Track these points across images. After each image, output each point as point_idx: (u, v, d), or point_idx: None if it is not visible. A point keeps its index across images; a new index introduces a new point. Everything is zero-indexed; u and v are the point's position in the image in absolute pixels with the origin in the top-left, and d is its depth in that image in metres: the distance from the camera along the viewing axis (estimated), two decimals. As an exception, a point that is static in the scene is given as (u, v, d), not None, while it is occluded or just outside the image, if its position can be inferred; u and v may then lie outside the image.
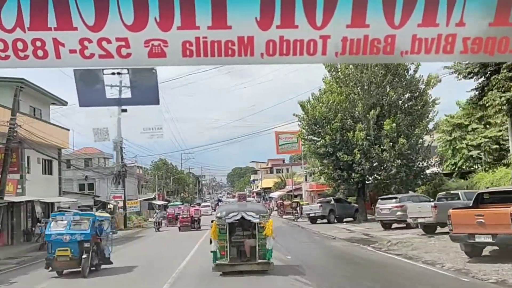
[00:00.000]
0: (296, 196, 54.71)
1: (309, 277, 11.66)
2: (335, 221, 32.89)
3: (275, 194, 64.78)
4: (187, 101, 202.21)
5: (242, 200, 33.73)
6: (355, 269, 13.06)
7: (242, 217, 12.02)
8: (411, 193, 29.04)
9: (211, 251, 12.24)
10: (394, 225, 24.76)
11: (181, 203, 72.98)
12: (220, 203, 50.52)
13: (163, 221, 39.43)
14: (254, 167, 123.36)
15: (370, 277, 11.42)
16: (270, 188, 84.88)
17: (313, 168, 36.06)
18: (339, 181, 32.56)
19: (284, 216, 46.18)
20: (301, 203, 40.50)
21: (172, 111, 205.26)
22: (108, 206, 43.76)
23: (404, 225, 24.01)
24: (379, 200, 25.48)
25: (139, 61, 3.83)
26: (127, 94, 4.53)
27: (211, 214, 54.17)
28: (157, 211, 42.56)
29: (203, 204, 72.94)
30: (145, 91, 4.48)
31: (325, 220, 33.22)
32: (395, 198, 24.59)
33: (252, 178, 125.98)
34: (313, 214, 33.24)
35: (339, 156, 30.78)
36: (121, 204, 43.58)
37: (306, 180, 59.36)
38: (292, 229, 31.53)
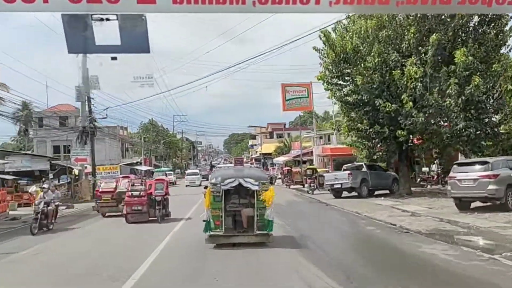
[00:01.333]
0: (305, 162, 46.02)
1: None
2: (367, 194, 24.16)
3: (280, 160, 55.64)
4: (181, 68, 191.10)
5: (239, 165, 31.69)
6: None
7: (240, 184, 10.84)
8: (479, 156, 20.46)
9: (204, 221, 10.86)
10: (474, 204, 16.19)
11: (170, 169, 64.43)
12: (214, 170, 41.04)
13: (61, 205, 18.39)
14: (252, 133, 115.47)
15: None
16: (270, 153, 77.20)
17: (340, 122, 26.76)
18: (376, 140, 23.67)
19: (292, 186, 37.54)
20: (318, 170, 31.38)
21: (164, 76, 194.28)
22: (74, 172, 35.05)
23: (493, 203, 15.47)
24: (454, 167, 16.67)
25: (127, 6, 3.91)
26: (116, 41, 4.50)
27: (199, 185, 42.87)
28: (43, 186, 18.37)
29: (189, 171, 57.19)
30: (135, 38, 4.48)
31: (354, 194, 24.51)
32: (484, 163, 15.78)
33: (250, 143, 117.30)
34: (338, 185, 24.32)
35: (378, 105, 21.81)
36: (90, 169, 34.80)
37: (315, 143, 50.54)
38: (312, 206, 22.80)
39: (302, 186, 37.27)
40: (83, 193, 31.48)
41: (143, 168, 55.32)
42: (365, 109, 22.91)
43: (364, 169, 24.68)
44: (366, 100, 22.57)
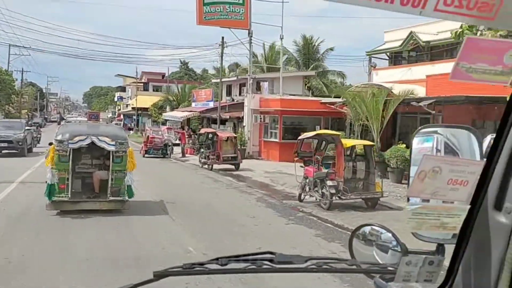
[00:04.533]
0: (224, 122, 27.49)
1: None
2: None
3: (176, 115, 34.93)
4: (42, 9, 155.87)
5: (94, 120, 27.30)
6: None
7: (93, 143, 9.70)
8: None
9: (47, 183, 9.50)
10: None
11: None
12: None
13: None
14: (121, 85, 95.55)
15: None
16: (147, 108, 58.44)
17: None
18: None
19: (216, 166, 18.98)
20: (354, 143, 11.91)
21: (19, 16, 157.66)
22: None
23: None
24: None
25: None
26: None
27: None
28: None
29: None
30: None
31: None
32: None
33: (118, 95, 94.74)
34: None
35: None
36: None
37: (249, 92, 31.86)
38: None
39: (235, 168, 19.06)
40: None
41: None
42: None
43: None
44: None
